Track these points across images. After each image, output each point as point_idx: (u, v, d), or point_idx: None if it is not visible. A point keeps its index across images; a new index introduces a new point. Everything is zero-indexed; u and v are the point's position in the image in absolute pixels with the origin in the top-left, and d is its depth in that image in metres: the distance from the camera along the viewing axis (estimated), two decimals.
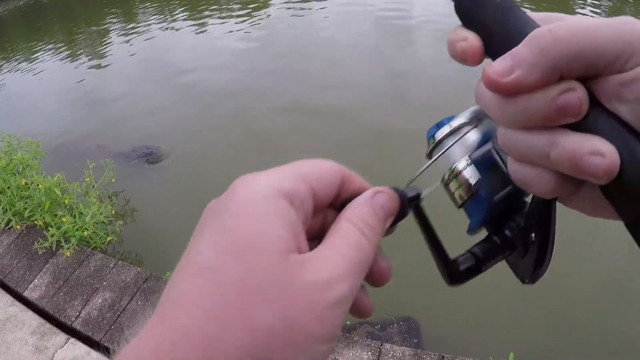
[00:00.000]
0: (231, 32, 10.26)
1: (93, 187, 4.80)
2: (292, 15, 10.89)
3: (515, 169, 0.36)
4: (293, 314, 0.30)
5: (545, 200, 0.38)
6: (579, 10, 9.92)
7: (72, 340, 3.50)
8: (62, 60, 10.57)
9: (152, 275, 3.82)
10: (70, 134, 7.14)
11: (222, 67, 8.72)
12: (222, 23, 11.03)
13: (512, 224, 0.43)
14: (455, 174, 0.44)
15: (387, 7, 10.37)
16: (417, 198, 0.43)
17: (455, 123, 0.44)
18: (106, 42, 11.36)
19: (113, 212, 4.61)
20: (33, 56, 10.96)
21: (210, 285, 0.31)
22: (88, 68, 9.80)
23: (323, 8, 10.94)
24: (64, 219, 4.25)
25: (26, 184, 4.57)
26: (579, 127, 0.31)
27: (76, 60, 10.39)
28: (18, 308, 3.82)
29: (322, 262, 0.32)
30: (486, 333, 3.71)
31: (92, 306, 3.68)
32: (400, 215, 0.41)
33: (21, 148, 5.13)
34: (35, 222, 4.40)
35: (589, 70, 0.30)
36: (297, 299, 0.30)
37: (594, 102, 0.31)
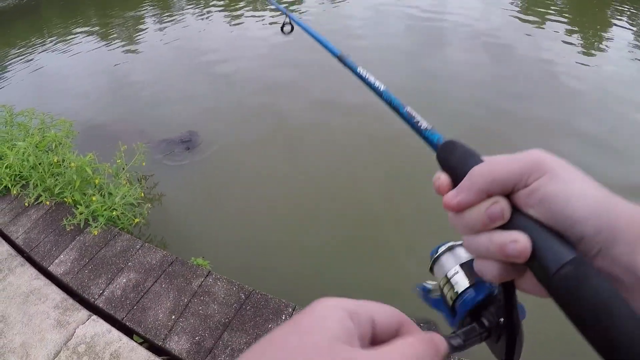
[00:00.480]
0: (265, 24, 10.36)
1: (124, 168, 4.81)
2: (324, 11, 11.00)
3: (475, 264, 0.51)
4: None
5: (505, 288, 0.51)
6: (616, 22, 9.80)
7: (94, 317, 3.49)
8: (97, 43, 10.72)
9: (178, 260, 3.81)
10: (103, 116, 7.22)
11: (255, 59, 8.76)
12: (256, 17, 11.13)
13: (487, 313, 0.57)
14: (447, 280, 0.61)
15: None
16: (460, 348, 0.54)
17: (449, 244, 0.63)
18: (140, 28, 11.50)
19: (142, 194, 4.62)
20: (68, 38, 11.13)
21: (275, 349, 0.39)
22: (122, 52, 9.93)
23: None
24: (93, 198, 4.26)
25: (58, 161, 4.60)
26: (506, 226, 0.46)
27: (111, 44, 10.52)
28: (42, 282, 3.84)
29: (370, 355, 0.39)
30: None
31: (116, 285, 3.68)
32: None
33: (54, 126, 5.18)
34: (65, 199, 4.43)
35: (506, 190, 0.47)
36: None
37: (515, 209, 0.47)
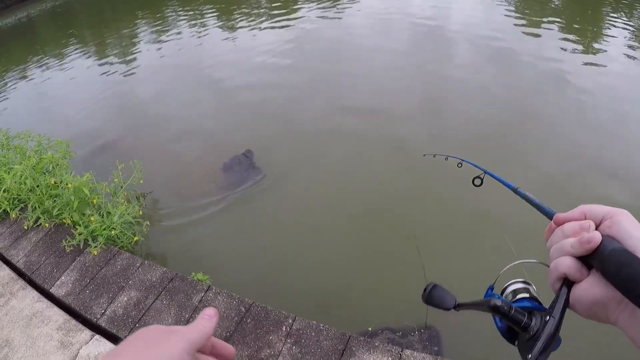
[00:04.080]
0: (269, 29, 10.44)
1: (121, 187, 4.84)
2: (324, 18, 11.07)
3: (554, 263, 0.73)
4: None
5: (567, 285, 0.71)
6: (606, 30, 9.84)
7: (97, 337, 3.50)
8: (93, 61, 10.76)
9: (178, 276, 3.82)
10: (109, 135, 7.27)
11: (257, 69, 8.82)
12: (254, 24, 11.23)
13: (536, 316, 0.73)
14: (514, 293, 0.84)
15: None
16: (503, 312, 0.74)
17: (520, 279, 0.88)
18: (135, 46, 11.55)
19: (140, 212, 4.64)
20: (64, 59, 11.18)
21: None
22: (120, 74, 9.96)
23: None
24: (92, 218, 4.28)
25: (55, 182, 4.62)
26: None
27: (107, 63, 10.57)
28: (44, 304, 3.85)
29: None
30: (507, 346, 3.64)
31: (117, 304, 3.69)
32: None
33: (51, 148, 5.21)
34: (64, 220, 4.45)
35: (595, 220, 0.72)
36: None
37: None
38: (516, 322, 0.73)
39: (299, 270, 4.47)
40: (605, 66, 7.97)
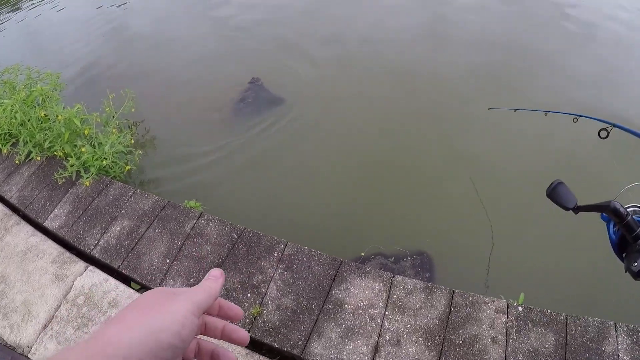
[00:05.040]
0: None
1: (113, 117, 4.66)
2: None
3: None
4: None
5: None
6: None
7: (91, 267, 3.43)
8: None
9: (170, 204, 3.69)
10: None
11: (258, 5, 8.34)
12: None
13: None
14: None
15: None
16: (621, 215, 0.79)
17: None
18: None
19: (132, 141, 4.47)
20: None
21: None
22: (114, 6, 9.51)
23: None
24: (83, 149, 4.13)
25: (46, 115, 4.45)
26: None
27: None
28: (38, 238, 3.78)
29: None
30: (498, 273, 3.56)
31: (110, 234, 3.59)
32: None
33: (41, 80, 5.00)
34: (55, 153, 4.32)
35: None
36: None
37: None
38: (630, 229, 0.73)
39: (295, 199, 4.35)
40: None
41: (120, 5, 8.88)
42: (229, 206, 4.21)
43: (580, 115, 2.28)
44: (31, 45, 8.50)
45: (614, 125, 1.77)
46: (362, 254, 3.70)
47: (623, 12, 6.85)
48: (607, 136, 1.79)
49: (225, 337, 0.70)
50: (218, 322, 0.69)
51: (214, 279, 0.69)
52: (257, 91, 5.75)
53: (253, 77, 5.94)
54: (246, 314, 2.90)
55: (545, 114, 2.73)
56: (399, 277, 2.96)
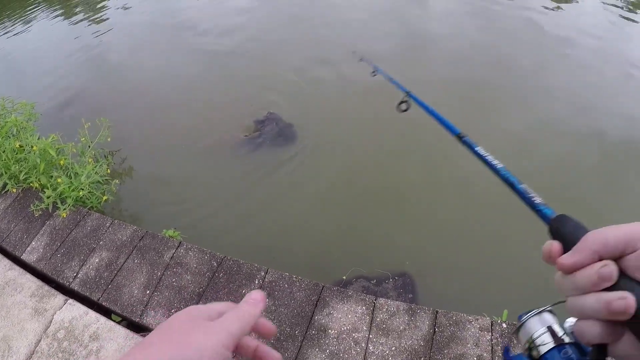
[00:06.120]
0: None
1: (89, 146, 4.68)
2: None
3: (577, 325, 0.54)
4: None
5: (599, 351, 0.53)
6: None
7: (71, 301, 3.44)
8: (61, 21, 10.21)
9: (148, 234, 3.72)
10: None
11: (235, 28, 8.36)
12: None
13: None
14: (532, 340, 0.65)
15: None
16: None
17: (537, 310, 0.68)
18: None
19: (109, 171, 4.50)
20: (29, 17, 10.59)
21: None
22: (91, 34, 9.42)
23: None
24: (59, 180, 4.15)
25: (21, 146, 4.46)
26: (613, 288, 0.50)
27: (75, 22, 10.02)
28: (16, 272, 3.77)
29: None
30: (481, 290, 3.66)
31: (89, 266, 3.61)
32: None
33: (15, 110, 5.00)
34: (31, 184, 4.32)
35: (615, 255, 0.51)
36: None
37: (622, 273, 0.51)
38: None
39: (274, 225, 4.40)
40: None
41: (98, 36, 8.84)
42: (208, 234, 4.26)
43: (378, 70, 2.30)
44: (5, 72, 8.44)
45: (409, 94, 1.67)
46: (344, 277, 3.76)
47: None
48: (407, 109, 1.70)
49: (258, 358, 0.66)
50: (251, 342, 0.65)
51: (254, 303, 0.64)
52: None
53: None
54: None
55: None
56: (381, 300, 3.03)
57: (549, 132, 5.09)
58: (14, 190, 4.38)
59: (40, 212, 4.10)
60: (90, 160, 4.52)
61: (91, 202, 4.26)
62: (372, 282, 3.74)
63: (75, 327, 3.26)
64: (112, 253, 3.65)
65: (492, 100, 5.67)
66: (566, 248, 0.57)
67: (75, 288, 3.51)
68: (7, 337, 3.37)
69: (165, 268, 3.43)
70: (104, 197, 4.30)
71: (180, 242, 3.59)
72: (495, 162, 0.92)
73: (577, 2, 8.34)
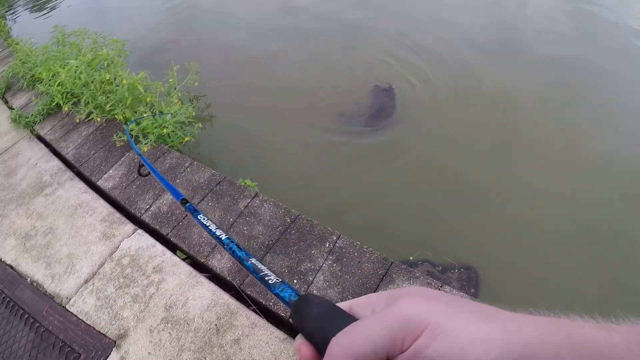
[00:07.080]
0: None
1: (175, 88, 4.65)
2: None
3: None
4: None
5: None
6: None
7: (140, 231, 3.39)
8: None
9: (226, 179, 3.63)
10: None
11: None
12: None
13: None
14: None
15: None
16: None
17: None
18: None
19: (194, 114, 4.45)
20: None
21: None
22: None
23: None
24: (144, 115, 4.13)
25: (109, 79, 4.47)
26: None
27: None
28: (90, 195, 3.77)
29: None
30: (546, 292, 3.40)
31: (162, 201, 3.56)
32: None
33: (106, 46, 5.03)
34: (116, 116, 4.32)
35: (381, 357, 0.40)
36: None
37: None
38: None
39: (350, 194, 4.22)
40: None
41: None
42: (283, 191, 4.13)
43: None
44: (96, 18, 8.62)
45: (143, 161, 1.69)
46: (411, 258, 3.58)
47: None
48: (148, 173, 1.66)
49: None
50: None
51: None
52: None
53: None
54: None
55: None
56: (447, 288, 2.84)
57: None
58: (98, 119, 4.40)
59: (122, 144, 4.09)
60: (176, 101, 4.48)
61: (172, 141, 4.22)
62: (438, 268, 3.55)
63: (141, 257, 3.21)
64: (188, 192, 3.58)
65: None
66: (318, 349, 0.46)
67: (146, 220, 3.45)
68: (72, 254, 3.35)
69: (239, 215, 3.33)
70: (186, 138, 4.24)
71: (256, 193, 3.47)
72: (219, 232, 0.81)
73: None
